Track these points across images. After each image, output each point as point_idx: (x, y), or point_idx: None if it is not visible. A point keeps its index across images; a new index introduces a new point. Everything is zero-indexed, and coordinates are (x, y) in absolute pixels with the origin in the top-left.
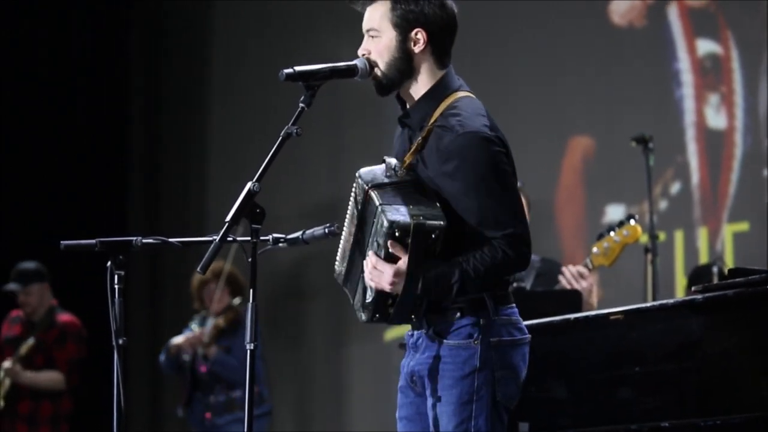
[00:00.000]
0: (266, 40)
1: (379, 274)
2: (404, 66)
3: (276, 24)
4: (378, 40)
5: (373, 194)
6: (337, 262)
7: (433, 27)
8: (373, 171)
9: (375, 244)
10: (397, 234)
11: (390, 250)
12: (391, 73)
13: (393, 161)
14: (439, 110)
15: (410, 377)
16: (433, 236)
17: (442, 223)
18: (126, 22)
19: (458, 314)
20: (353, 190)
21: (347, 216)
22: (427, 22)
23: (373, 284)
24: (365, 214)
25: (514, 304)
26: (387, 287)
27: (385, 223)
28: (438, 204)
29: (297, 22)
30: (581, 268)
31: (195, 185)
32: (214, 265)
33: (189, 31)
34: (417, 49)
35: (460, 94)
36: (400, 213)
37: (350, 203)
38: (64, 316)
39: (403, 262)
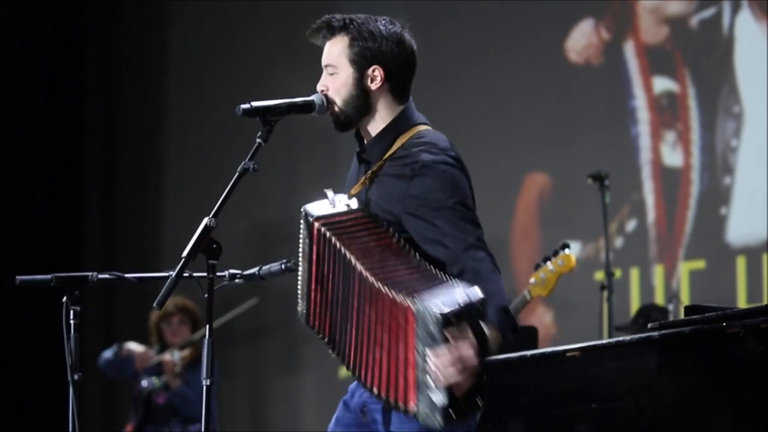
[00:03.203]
0: (223, 76)
1: (456, 359)
2: (361, 103)
3: (233, 59)
4: (336, 77)
5: (331, 236)
6: (299, 303)
7: (391, 65)
8: (318, 204)
9: (426, 340)
10: (452, 323)
11: (448, 337)
12: (348, 109)
13: (330, 192)
14: (398, 143)
15: (361, 407)
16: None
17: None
18: (82, 60)
19: None
20: (301, 227)
21: (300, 254)
22: (385, 60)
23: (454, 377)
24: (320, 250)
25: None
26: (472, 362)
27: (436, 317)
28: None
29: (254, 57)
30: None
31: (151, 220)
32: (175, 300)
33: (145, 66)
34: (374, 86)
35: (422, 128)
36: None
37: (301, 241)
38: None
39: (468, 338)
